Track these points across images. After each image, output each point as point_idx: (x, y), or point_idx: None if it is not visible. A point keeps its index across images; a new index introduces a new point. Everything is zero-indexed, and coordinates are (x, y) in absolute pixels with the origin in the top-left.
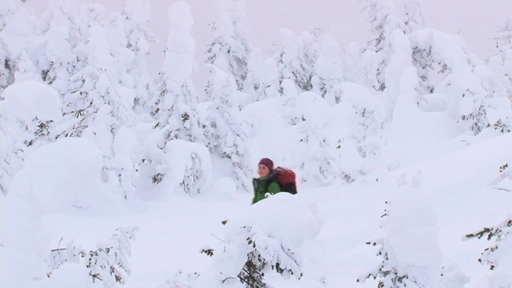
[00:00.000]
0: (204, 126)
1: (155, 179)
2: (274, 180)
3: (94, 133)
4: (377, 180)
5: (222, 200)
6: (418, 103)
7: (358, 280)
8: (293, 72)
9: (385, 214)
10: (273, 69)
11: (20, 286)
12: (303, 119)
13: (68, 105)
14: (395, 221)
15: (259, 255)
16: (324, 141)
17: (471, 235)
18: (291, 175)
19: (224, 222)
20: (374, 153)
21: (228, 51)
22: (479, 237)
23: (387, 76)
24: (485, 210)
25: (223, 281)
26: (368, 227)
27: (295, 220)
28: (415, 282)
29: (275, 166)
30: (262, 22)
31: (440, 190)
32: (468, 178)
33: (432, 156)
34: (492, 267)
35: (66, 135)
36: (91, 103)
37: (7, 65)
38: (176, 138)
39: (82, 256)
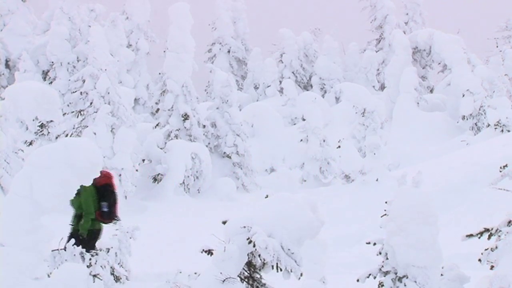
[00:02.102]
0: (204, 126)
1: (155, 179)
2: None
3: (94, 133)
4: (377, 180)
5: (222, 200)
6: (418, 103)
7: (358, 280)
8: (293, 72)
9: (385, 214)
10: (273, 69)
11: (20, 286)
12: (303, 119)
13: (68, 105)
14: (395, 221)
15: (259, 255)
16: (324, 141)
17: (471, 235)
18: (106, 175)
19: (224, 222)
20: (374, 153)
21: (228, 51)
22: (479, 237)
23: (387, 76)
24: (485, 210)
25: (223, 281)
26: (368, 227)
27: (295, 220)
28: (415, 282)
29: None
30: (262, 22)
31: (440, 190)
32: (468, 178)
33: (432, 156)
34: (492, 267)
35: (66, 135)
36: (91, 103)
37: (7, 65)
38: (176, 138)
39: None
